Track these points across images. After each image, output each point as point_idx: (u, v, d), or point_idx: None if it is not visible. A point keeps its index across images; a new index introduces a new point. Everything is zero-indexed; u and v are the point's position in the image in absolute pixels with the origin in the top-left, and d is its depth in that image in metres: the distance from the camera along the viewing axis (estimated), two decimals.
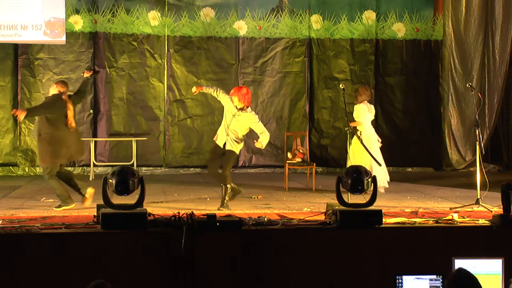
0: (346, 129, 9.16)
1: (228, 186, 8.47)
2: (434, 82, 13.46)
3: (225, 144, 8.60)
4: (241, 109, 8.56)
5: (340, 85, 9.62)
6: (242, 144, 8.80)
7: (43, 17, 12.10)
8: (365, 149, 9.18)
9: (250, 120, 8.60)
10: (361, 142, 9.28)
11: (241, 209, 8.21)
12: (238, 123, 8.56)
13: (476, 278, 4.04)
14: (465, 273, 4.08)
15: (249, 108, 8.67)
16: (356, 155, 9.58)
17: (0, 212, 7.64)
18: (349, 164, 9.08)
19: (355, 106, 10.13)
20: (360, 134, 9.56)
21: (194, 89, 8.76)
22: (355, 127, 9.69)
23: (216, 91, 8.72)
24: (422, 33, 13.51)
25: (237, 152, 8.76)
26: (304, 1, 13.24)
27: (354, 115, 10.09)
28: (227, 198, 8.45)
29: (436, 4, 13.52)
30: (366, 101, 10.12)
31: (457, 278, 4.05)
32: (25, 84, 12.59)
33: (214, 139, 8.76)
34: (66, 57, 12.67)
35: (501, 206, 6.71)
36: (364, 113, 9.99)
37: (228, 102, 8.61)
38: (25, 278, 5.77)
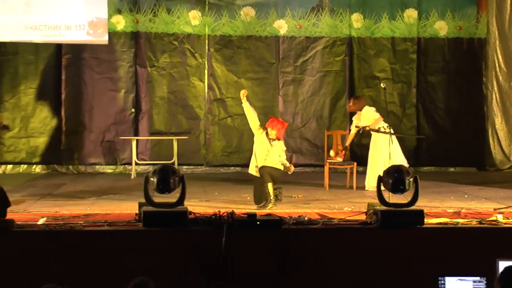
0: (387, 128, 9.12)
1: (269, 184, 8.50)
2: (477, 81, 13.28)
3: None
4: (274, 139, 8.73)
5: (381, 84, 9.60)
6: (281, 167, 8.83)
7: (86, 17, 12.24)
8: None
9: (281, 148, 8.78)
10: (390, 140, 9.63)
11: (281, 208, 8.21)
12: (274, 153, 8.70)
13: None
14: None
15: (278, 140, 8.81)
16: (396, 155, 9.61)
17: (44, 210, 7.76)
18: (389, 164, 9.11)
19: (363, 112, 10.41)
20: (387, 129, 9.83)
21: (243, 92, 8.81)
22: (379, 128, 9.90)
23: (255, 117, 8.81)
24: (465, 31, 13.33)
25: (282, 169, 8.82)
26: (344, 0, 13.17)
27: (367, 120, 10.33)
28: (272, 196, 8.48)
29: (480, 2, 13.33)
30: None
31: (506, 276, 4.00)
32: (68, 83, 12.74)
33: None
34: (108, 56, 12.80)
35: None
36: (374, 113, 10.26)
37: (261, 136, 8.71)
38: (68, 275, 5.84)
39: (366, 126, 10.27)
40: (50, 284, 3.95)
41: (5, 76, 12.68)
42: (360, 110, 10.52)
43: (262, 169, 8.62)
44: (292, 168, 8.90)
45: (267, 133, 8.73)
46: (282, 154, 8.81)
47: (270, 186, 8.48)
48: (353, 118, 10.77)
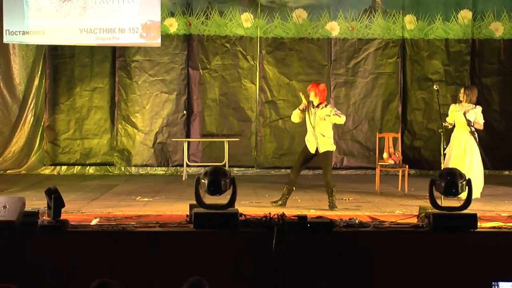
0: (440, 130, 9.01)
1: (333, 188, 8.56)
2: None
3: (316, 149, 8.64)
4: (318, 106, 8.66)
5: (434, 86, 9.48)
6: (333, 144, 8.78)
7: (139, 20, 12.40)
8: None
9: (326, 113, 8.67)
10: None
11: (333, 210, 8.18)
12: (320, 121, 8.60)
13: None
14: None
15: (326, 103, 8.76)
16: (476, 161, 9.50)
17: (97, 210, 7.89)
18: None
19: (477, 109, 9.60)
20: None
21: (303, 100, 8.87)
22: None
23: (297, 114, 8.86)
24: None
25: (333, 150, 8.84)
26: (397, 1, 13.06)
27: (479, 118, 9.61)
28: (333, 199, 8.49)
29: None
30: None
31: None
32: (122, 85, 12.94)
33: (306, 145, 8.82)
34: (161, 59, 12.95)
35: None
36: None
37: (305, 107, 8.76)
38: (120, 275, 5.91)
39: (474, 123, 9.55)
40: (102, 280, 4.02)
41: (61, 79, 12.93)
42: (472, 103, 9.59)
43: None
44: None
45: (312, 106, 8.72)
46: (333, 115, 8.67)
47: (334, 190, 8.59)
48: (455, 109, 9.68)
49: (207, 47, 13.01)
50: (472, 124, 9.48)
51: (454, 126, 9.66)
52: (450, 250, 6.10)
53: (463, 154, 9.43)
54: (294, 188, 8.78)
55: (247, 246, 6.06)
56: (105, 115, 12.97)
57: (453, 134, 9.65)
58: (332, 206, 8.50)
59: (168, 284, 5.67)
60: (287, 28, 13.05)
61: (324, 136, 8.66)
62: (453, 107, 9.73)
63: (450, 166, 9.12)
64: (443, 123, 9.39)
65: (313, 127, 8.67)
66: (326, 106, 8.74)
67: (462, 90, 9.72)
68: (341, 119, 8.71)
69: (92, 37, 12.40)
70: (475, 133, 9.47)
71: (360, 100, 13.13)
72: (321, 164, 8.87)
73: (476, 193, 9.07)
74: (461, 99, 9.63)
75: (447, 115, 9.79)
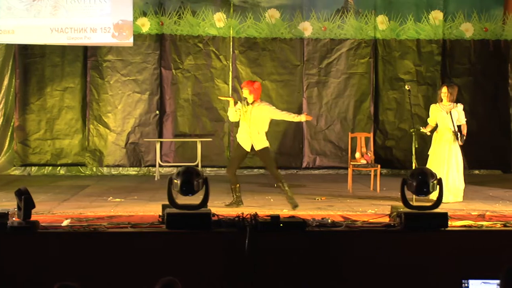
0: (411, 130, 9.06)
1: (283, 181, 8.53)
2: (503, 83, 13.17)
3: (252, 147, 8.67)
4: (252, 103, 8.65)
5: (406, 86, 9.54)
6: (267, 140, 8.77)
7: (111, 20, 12.33)
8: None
9: (265, 109, 8.68)
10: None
11: (305, 210, 8.21)
12: (256, 118, 8.62)
13: None
14: None
15: (259, 100, 8.74)
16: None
17: (68, 211, 7.83)
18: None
19: (458, 107, 9.38)
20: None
21: (231, 101, 8.87)
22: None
23: (234, 113, 8.82)
24: (491, 33, 13.23)
25: (269, 146, 8.80)
26: (370, 2, 13.13)
27: (462, 116, 9.39)
28: (290, 193, 8.49)
29: (506, 3, 13.23)
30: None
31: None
32: (93, 85, 12.86)
33: (239, 142, 8.81)
34: (133, 58, 12.89)
35: None
36: None
37: (239, 107, 8.74)
38: (92, 276, 5.88)
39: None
40: (61, 283, 3.98)
41: (32, 79, 12.81)
42: (453, 101, 9.37)
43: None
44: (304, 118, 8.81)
45: (247, 103, 8.69)
46: (275, 112, 8.71)
47: (285, 184, 8.54)
48: (438, 109, 9.38)
49: (179, 47, 12.97)
50: (458, 130, 9.23)
51: (436, 126, 9.42)
52: (422, 248, 6.15)
53: (447, 156, 9.23)
54: (237, 185, 8.74)
55: (220, 246, 6.06)
56: (76, 115, 12.87)
57: (436, 135, 9.38)
58: (293, 204, 8.45)
59: (141, 285, 5.64)
60: (260, 28, 13.06)
61: (259, 133, 8.66)
62: (434, 107, 9.43)
63: (434, 167, 8.99)
64: (421, 129, 9.24)
65: (248, 125, 8.66)
66: (261, 103, 8.73)
67: (444, 89, 9.32)
68: (293, 116, 8.75)
69: (63, 37, 12.30)
70: (458, 133, 9.26)
71: (333, 100, 13.18)
72: (262, 162, 8.91)
73: (459, 196, 9.09)
74: (442, 97, 9.31)
75: (418, 115, 9.84)
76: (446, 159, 9.21)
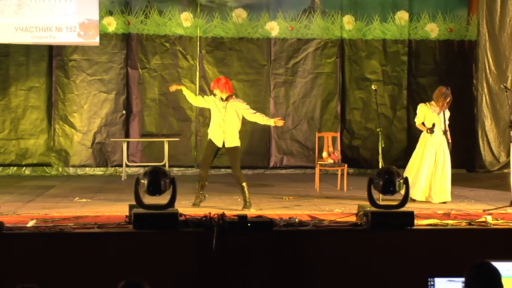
0: (378, 130, 9.11)
1: (244, 184, 8.52)
2: (467, 83, 13.32)
3: (223, 143, 8.65)
4: (227, 99, 8.62)
5: (372, 86, 9.59)
6: (239, 139, 8.79)
7: (77, 19, 12.23)
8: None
9: (240, 107, 8.69)
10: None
11: (272, 210, 8.22)
12: (231, 115, 8.61)
13: (498, 271, 4.06)
14: (486, 266, 4.09)
15: (234, 96, 8.74)
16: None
17: (34, 212, 7.74)
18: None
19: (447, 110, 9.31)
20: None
21: (173, 88, 8.97)
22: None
23: (197, 96, 8.92)
24: (456, 33, 13.39)
25: (239, 146, 8.80)
26: (336, 2, 13.19)
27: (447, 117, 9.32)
28: (248, 197, 8.50)
29: (470, 4, 13.38)
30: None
31: (477, 271, 4.07)
32: (59, 85, 12.74)
33: (210, 138, 8.81)
34: (100, 58, 12.80)
35: None
36: None
37: (212, 101, 8.74)
38: (58, 278, 5.83)
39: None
40: (25, 285, 3.93)
41: None
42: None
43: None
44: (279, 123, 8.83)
45: (221, 99, 8.68)
46: (248, 111, 8.72)
47: (246, 186, 8.56)
48: (428, 109, 9.26)
49: (146, 46, 12.91)
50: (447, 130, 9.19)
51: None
52: (388, 247, 6.20)
53: (436, 156, 9.17)
54: (206, 183, 8.77)
55: (187, 246, 6.05)
56: (41, 115, 12.74)
57: (426, 134, 9.22)
58: (247, 205, 8.46)
59: (108, 286, 5.60)
60: (227, 27, 13.05)
61: (233, 130, 8.66)
62: (424, 107, 9.27)
63: (424, 167, 9.06)
64: (426, 129, 9.07)
65: (223, 120, 8.66)
66: (236, 99, 8.74)
67: (443, 90, 9.24)
68: (265, 119, 8.75)
69: (28, 36, 12.17)
70: (447, 133, 9.22)
71: (300, 99, 13.22)
72: (229, 161, 8.88)
73: (446, 197, 9.04)
74: (445, 104, 9.17)
75: (384, 115, 9.90)
76: (434, 160, 9.15)
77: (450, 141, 9.20)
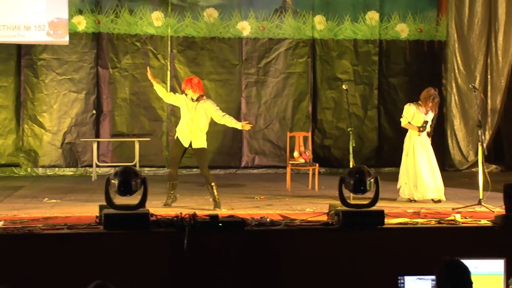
0: (349, 129, 9.14)
1: (213, 184, 8.52)
2: (437, 83, 13.37)
3: (190, 143, 8.64)
4: (197, 99, 8.62)
5: (343, 86, 9.62)
6: (206, 140, 8.79)
7: (46, 18, 12.12)
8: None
9: (210, 109, 8.67)
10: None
11: (244, 209, 8.22)
12: (199, 115, 8.60)
13: (468, 269, 4.11)
14: (457, 264, 4.14)
15: (205, 97, 8.72)
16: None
17: (2, 213, 7.65)
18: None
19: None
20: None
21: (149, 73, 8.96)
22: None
23: (168, 92, 8.97)
24: (426, 33, 13.50)
25: (206, 147, 8.80)
26: (307, 2, 13.23)
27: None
28: (217, 196, 8.49)
29: (440, 5, 13.51)
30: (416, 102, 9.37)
31: (448, 269, 4.11)
32: (28, 84, 12.61)
33: (177, 137, 8.79)
34: (69, 57, 12.69)
35: (503, 206, 6.70)
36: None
37: (183, 100, 8.72)
38: (27, 279, 5.77)
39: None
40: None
41: None
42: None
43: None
44: (249, 126, 8.84)
45: (192, 99, 8.67)
46: (217, 113, 8.67)
47: (214, 186, 8.56)
48: (415, 109, 9.24)
49: (117, 45, 12.83)
50: (430, 130, 9.22)
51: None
52: (359, 246, 6.23)
53: (428, 156, 9.17)
54: (176, 182, 8.75)
55: (158, 247, 6.02)
56: (10, 114, 12.59)
57: (412, 135, 9.27)
58: (217, 205, 8.46)
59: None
60: (198, 27, 13.02)
61: (200, 131, 8.65)
62: (413, 107, 9.25)
63: (423, 167, 9.05)
64: (418, 127, 9.08)
65: (191, 120, 8.65)
66: (207, 100, 8.72)
67: (431, 92, 9.26)
68: (233, 122, 8.72)
69: None
70: (430, 133, 9.25)
71: (271, 99, 13.24)
72: (197, 162, 8.85)
73: (441, 195, 9.02)
74: (432, 107, 9.20)
75: (356, 115, 9.93)
76: (428, 159, 9.16)
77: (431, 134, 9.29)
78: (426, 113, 9.23)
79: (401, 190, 9.20)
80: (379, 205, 6.59)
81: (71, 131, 12.68)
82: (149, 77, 8.97)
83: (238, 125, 8.78)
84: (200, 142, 8.64)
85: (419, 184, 9.03)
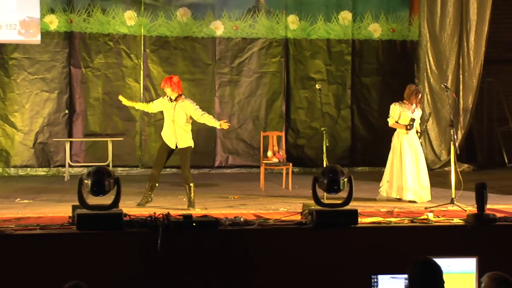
0: (322, 129, 9.17)
1: (192, 184, 8.51)
2: (409, 82, 13.37)
3: (176, 144, 8.65)
4: (176, 99, 8.61)
5: (317, 85, 9.65)
6: (192, 139, 8.77)
7: (17, 17, 12.01)
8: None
9: (189, 108, 8.65)
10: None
11: (218, 209, 8.21)
12: (179, 115, 8.59)
13: (440, 267, 4.15)
14: (429, 262, 4.18)
15: (183, 96, 8.72)
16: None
17: None
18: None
19: (419, 108, 9.35)
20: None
21: (123, 99, 8.98)
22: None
23: (147, 103, 8.96)
24: (398, 33, 13.59)
25: (192, 145, 8.78)
26: (281, 2, 13.25)
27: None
28: (193, 197, 8.49)
29: (412, 5, 13.60)
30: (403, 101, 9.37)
31: (420, 267, 4.15)
32: None
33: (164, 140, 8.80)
34: (41, 57, 12.58)
35: (475, 205, 6.77)
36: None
37: (161, 102, 8.73)
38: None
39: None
40: None
41: None
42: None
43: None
44: (226, 125, 8.82)
45: (170, 99, 8.67)
46: (196, 112, 8.65)
47: (193, 187, 8.55)
48: (401, 108, 9.26)
49: (89, 45, 12.75)
50: (420, 130, 9.22)
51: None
52: (333, 245, 6.26)
53: (415, 155, 9.17)
54: (156, 184, 8.74)
55: (132, 247, 6.00)
56: None
57: (400, 134, 9.26)
58: (191, 205, 8.46)
59: None
60: (172, 26, 12.98)
61: (184, 130, 8.65)
62: (399, 107, 9.25)
63: (407, 167, 9.05)
64: (405, 125, 9.06)
65: (172, 121, 8.64)
66: (185, 99, 8.70)
67: (413, 88, 9.33)
68: (212, 121, 8.71)
69: None
70: (419, 133, 9.24)
71: (245, 99, 13.24)
72: (180, 161, 8.83)
73: (427, 196, 9.03)
74: (416, 103, 9.21)
75: (329, 114, 9.96)
76: (416, 159, 9.16)
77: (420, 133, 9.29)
78: (413, 111, 9.22)
79: (381, 188, 9.23)
80: (353, 205, 6.61)
81: (43, 130, 12.58)
82: (126, 103, 8.97)
83: (216, 124, 8.78)
84: (185, 141, 8.64)
85: (405, 184, 9.03)
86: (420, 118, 9.40)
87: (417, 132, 9.28)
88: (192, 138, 8.80)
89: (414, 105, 9.22)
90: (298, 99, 13.41)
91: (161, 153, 8.78)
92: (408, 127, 9.13)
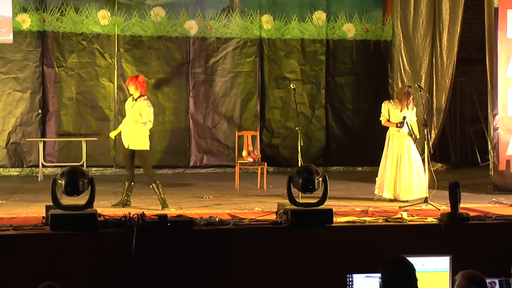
0: (297, 128, 9.19)
1: (157, 182, 8.53)
2: (383, 82, 13.61)
3: (128, 144, 8.64)
4: (137, 99, 8.62)
5: (291, 85, 9.67)
6: (148, 141, 8.73)
7: None
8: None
9: (142, 108, 8.58)
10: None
11: (193, 209, 8.20)
12: (136, 115, 8.58)
13: (413, 266, 4.18)
14: (401, 261, 4.21)
15: (145, 97, 8.69)
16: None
17: None
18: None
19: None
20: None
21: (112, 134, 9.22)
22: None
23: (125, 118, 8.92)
24: (372, 33, 13.66)
25: (147, 149, 8.76)
26: (255, 1, 13.26)
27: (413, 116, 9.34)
28: (163, 195, 8.47)
29: (385, 5, 13.68)
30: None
31: (393, 266, 4.18)
32: None
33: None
34: (14, 56, 12.46)
35: (449, 204, 6.83)
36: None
37: (127, 103, 8.76)
38: None
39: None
40: None
41: None
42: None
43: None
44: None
45: (133, 99, 8.66)
46: (144, 113, 8.58)
47: (159, 184, 8.56)
48: (392, 107, 9.27)
49: (62, 44, 12.65)
50: (411, 129, 9.14)
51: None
52: (308, 244, 6.28)
53: (401, 152, 9.16)
54: (132, 184, 8.71)
55: (107, 247, 5.97)
56: None
57: (391, 132, 9.29)
58: (164, 204, 8.45)
59: None
60: (145, 26, 12.93)
61: (139, 131, 8.61)
62: (388, 105, 9.29)
63: (388, 165, 9.09)
64: (401, 125, 9.03)
65: (129, 120, 8.64)
66: (143, 100, 8.65)
67: (405, 89, 9.28)
68: (145, 127, 8.61)
69: None
70: (412, 132, 9.18)
71: (219, 98, 13.22)
72: (139, 163, 8.82)
73: (413, 194, 8.96)
74: (407, 103, 9.17)
75: (303, 114, 9.98)
76: (397, 156, 9.16)
77: (417, 137, 9.26)
78: (402, 110, 9.18)
79: (376, 190, 9.22)
80: (327, 204, 6.62)
81: (16, 130, 12.46)
82: (116, 133, 8.95)
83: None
84: (138, 143, 8.58)
85: (384, 181, 9.07)
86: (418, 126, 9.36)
87: (409, 134, 9.17)
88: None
89: (404, 105, 9.19)
90: (272, 98, 13.42)
91: (123, 154, 8.81)
92: (399, 125, 9.12)
